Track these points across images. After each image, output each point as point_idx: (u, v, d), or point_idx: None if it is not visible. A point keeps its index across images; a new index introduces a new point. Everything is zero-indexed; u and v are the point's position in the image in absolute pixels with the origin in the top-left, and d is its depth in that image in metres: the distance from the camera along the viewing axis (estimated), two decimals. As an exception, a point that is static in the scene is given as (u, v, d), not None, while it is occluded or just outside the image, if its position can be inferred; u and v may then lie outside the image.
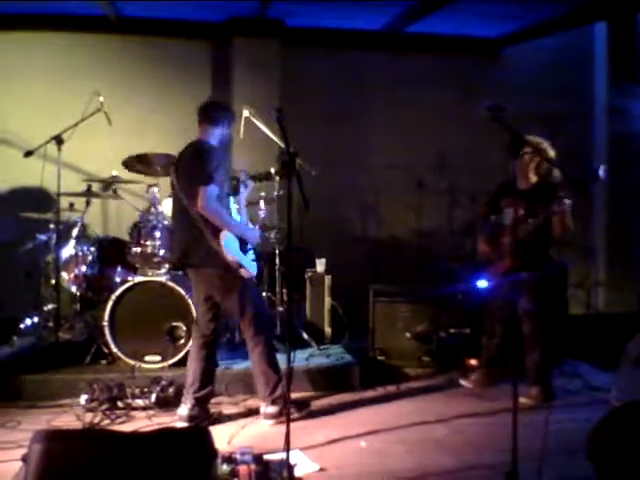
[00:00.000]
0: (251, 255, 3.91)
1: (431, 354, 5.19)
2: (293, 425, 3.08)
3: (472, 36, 6.80)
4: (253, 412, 4.06)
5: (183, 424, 3.82)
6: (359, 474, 3.22)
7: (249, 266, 3.82)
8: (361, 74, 6.71)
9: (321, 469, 3.23)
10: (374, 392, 4.57)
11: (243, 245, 3.83)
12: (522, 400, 3.89)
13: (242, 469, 2.96)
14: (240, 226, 3.89)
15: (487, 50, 6.93)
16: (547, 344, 4.37)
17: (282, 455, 3.06)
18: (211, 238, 3.71)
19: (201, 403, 3.90)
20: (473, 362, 5.03)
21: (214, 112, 3.94)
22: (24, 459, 2.48)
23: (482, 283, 5.14)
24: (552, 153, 4.28)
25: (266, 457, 3.18)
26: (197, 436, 2.47)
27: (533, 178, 4.38)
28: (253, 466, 3.01)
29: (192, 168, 3.76)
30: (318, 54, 6.64)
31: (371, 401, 4.39)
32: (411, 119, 6.69)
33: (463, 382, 4.71)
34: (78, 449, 2.42)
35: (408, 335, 5.20)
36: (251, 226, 4.25)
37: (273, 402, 3.89)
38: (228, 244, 3.73)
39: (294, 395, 3.96)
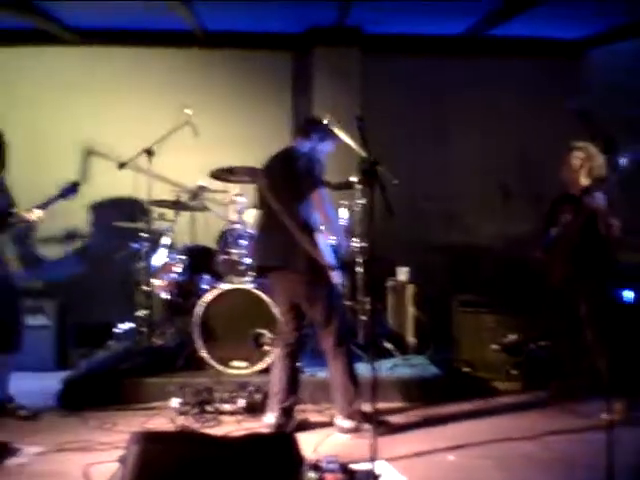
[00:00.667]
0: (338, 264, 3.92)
1: (520, 367, 5.02)
2: (379, 434, 3.06)
3: (554, 38, 6.60)
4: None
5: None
6: (446, 488, 3.17)
7: (338, 272, 3.82)
8: (442, 79, 6.63)
9: (408, 482, 3.20)
10: (460, 405, 4.47)
11: (335, 254, 3.85)
12: (603, 416, 3.72)
13: (328, 477, 2.97)
14: (341, 231, 3.97)
15: (570, 52, 6.71)
16: (612, 353, 4.11)
17: (368, 465, 3.06)
18: (306, 241, 3.72)
19: (287, 412, 3.94)
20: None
21: (307, 125, 4.04)
22: (121, 460, 2.60)
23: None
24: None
25: (352, 466, 3.19)
26: (285, 442, 2.52)
27: (584, 181, 4.24)
28: (339, 475, 3.02)
29: (295, 173, 3.78)
30: (398, 60, 6.61)
31: (457, 414, 4.31)
32: (494, 124, 6.56)
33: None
34: (173, 451, 2.52)
35: (495, 347, 5.06)
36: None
37: (349, 416, 3.85)
38: (325, 247, 3.75)
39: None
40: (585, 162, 4.21)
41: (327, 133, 4.01)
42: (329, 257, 3.75)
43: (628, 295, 4.50)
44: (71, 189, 4.31)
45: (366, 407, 3.78)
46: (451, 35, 6.51)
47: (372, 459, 2.97)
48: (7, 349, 4.19)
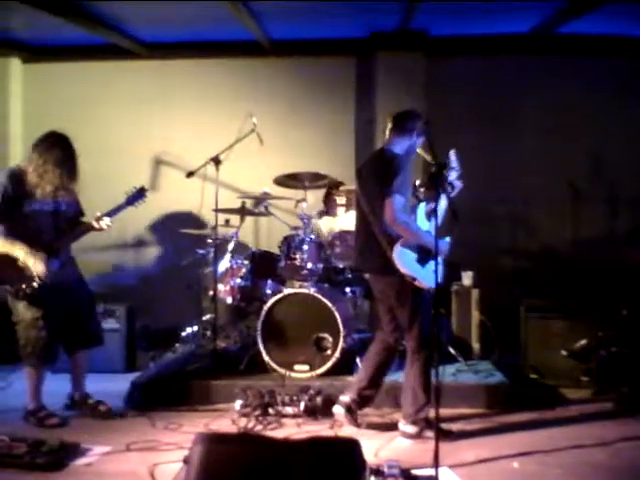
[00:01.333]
0: (432, 265, 3.70)
1: (590, 374, 4.85)
2: (441, 442, 3.01)
3: (627, 35, 6.36)
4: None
5: (338, 409, 3.94)
6: (511, 495, 3.09)
7: (425, 278, 3.70)
8: (509, 79, 6.52)
9: (471, 488, 3.14)
10: (527, 412, 4.34)
11: (425, 255, 3.73)
12: None
13: (393, 482, 2.95)
14: (428, 236, 3.73)
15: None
16: None
17: (430, 471, 3.02)
18: (387, 248, 3.70)
19: (361, 403, 3.97)
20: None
21: (403, 121, 3.88)
22: (185, 460, 2.65)
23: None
24: None
25: (414, 472, 3.16)
26: (347, 446, 2.51)
27: None
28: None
29: (377, 178, 3.75)
30: (463, 62, 6.55)
31: (524, 421, 4.18)
32: (564, 124, 6.39)
33: None
34: (236, 452, 2.54)
35: (564, 353, 4.91)
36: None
37: (414, 422, 3.81)
38: (401, 257, 3.68)
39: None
40: None
41: (422, 125, 3.82)
42: (407, 266, 3.67)
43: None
44: (138, 195, 4.40)
45: (430, 414, 3.75)
46: (519, 33, 6.38)
47: (435, 465, 2.92)
48: (91, 343, 4.40)
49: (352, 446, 2.52)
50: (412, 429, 3.82)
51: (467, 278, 5.37)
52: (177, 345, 5.51)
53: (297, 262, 4.95)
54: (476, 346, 5.22)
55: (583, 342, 4.90)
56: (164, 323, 5.98)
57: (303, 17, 5.85)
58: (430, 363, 3.84)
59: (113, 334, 5.51)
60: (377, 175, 3.76)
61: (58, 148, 4.15)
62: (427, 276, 3.70)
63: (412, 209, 3.86)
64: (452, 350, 5.04)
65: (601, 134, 6.31)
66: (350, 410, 3.94)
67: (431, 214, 3.86)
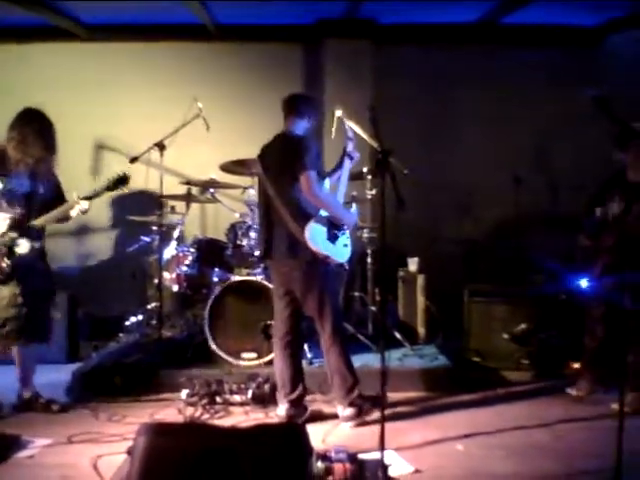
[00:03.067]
0: (344, 240, 3.88)
1: (530, 356, 5.00)
2: (387, 426, 3.05)
3: (572, 25, 6.53)
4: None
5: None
6: (455, 477, 3.16)
7: (338, 254, 3.80)
8: (455, 69, 6.59)
9: (416, 471, 3.19)
10: (470, 395, 4.45)
11: (334, 230, 3.80)
12: (614, 406, 3.70)
13: (337, 467, 2.97)
14: (342, 208, 3.93)
15: (588, 39, 6.63)
16: None
17: (376, 455, 3.06)
18: (296, 229, 3.72)
19: (296, 403, 3.94)
20: (576, 365, 4.83)
21: (299, 104, 3.99)
22: (129, 452, 2.61)
23: (584, 282, 4.95)
24: None
25: (360, 456, 3.19)
26: (293, 433, 2.52)
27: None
28: (348, 465, 3.02)
29: (285, 160, 3.78)
30: (410, 51, 6.58)
31: (467, 404, 4.29)
32: (508, 113, 6.51)
33: (570, 391, 4.44)
34: (181, 442, 2.53)
35: (506, 336, 5.05)
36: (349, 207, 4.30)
37: (350, 404, 3.84)
38: (314, 235, 3.71)
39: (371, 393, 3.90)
40: None
41: (317, 108, 4.04)
42: (319, 244, 3.71)
43: (583, 283, 4.48)
44: (120, 181, 4.20)
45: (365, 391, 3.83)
46: (466, 23, 6.45)
47: (381, 448, 2.96)
48: (38, 339, 4.22)
49: (298, 432, 2.53)
50: (350, 411, 3.84)
51: (413, 264, 5.44)
52: (121, 335, 5.40)
53: (244, 249, 4.91)
54: (421, 331, 5.30)
55: (523, 326, 5.04)
56: (108, 312, 5.85)
57: (250, 2, 5.77)
58: (347, 343, 3.93)
59: (54, 323, 5.35)
60: (285, 157, 3.80)
61: (36, 122, 4.17)
62: (338, 252, 3.80)
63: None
64: (398, 335, 5.11)
65: (544, 123, 6.45)
66: (292, 418, 3.87)
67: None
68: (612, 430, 2.81)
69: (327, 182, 4.04)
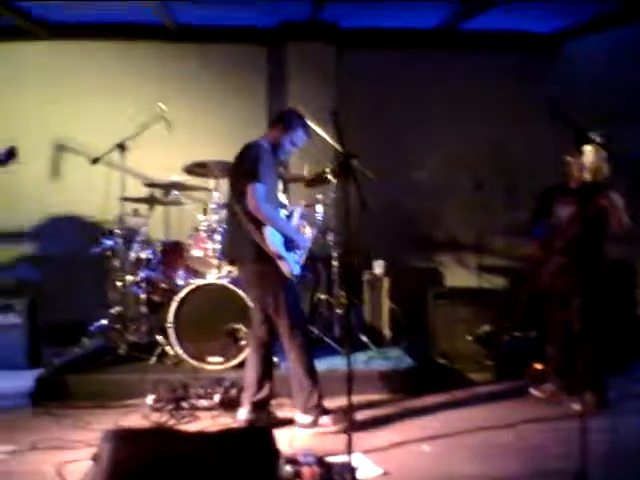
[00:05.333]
0: (295, 257, 3.84)
1: (495, 358, 5.05)
2: (354, 428, 3.06)
3: (530, 31, 6.67)
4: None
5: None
6: (423, 478, 3.19)
7: (290, 263, 3.75)
8: (416, 73, 6.66)
9: (384, 473, 3.21)
10: (436, 396, 4.50)
11: (289, 245, 3.79)
12: (574, 406, 3.78)
13: (305, 471, 2.98)
14: (289, 227, 3.87)
15: (545, 45, 6.78)
16: (598, 345, 4.21)
17: (344, 458, 3.06)
18: (254, 230, 3.69)
19: (259, 407, 3.90)
20: (539, 367, 4.91)
21: (279, 115, 4.02)
22: (94, 458, 2.56)
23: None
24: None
25: (328, 459, 3.20)
26: (260, 437, 2.51)
27: (587, 177, 4.28)
28: (316, 468, 3.03)
29: (240, 167, 3.80)
30: (372, 55, 6.62)
31: (433, 405, 4.33)
32: (469, 118, 6.61)
33: (534, 392, 4.52)
34: (146, 448, 2.50)
35: (470, 338, 5.10)
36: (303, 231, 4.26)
37: (306, 411, 3.81)
38: (272, 236, 3.69)
39: (336, 402, 3.89)
40: (597, 161, 4.22)
41: (299, 124, 3.96)
42: (277, 246, 3.69)
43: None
44: (8, 155, 4.06)
45: (325, 401, 3.83)
46: (426, 29, 6.53)
47: (348, 452, 2.96)
48: None
49: (265, 436, 2.52)
50: (306, 418, 3.81)
51: (378, 267, 5.47)
52: (84, 339, 5.29)
53: (209, 252, 4.87)
54: (387, 333, 5.33)
55: (487, 327, 5.10)
56: (69, 317, 5.72)
57: (211, 2, 5.73)
58: (307, 348, 3.85)
59: (13, 329, 5.23)
60: (239, 164, 3.82)
61: None
62: (290, 261, 3.76)
63: (277, 203, 3.90)
64: (364, 338, 5.13)
65: (501, 126, 6.55)
66: (252, 423, 3.83)
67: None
68: (574, 430, 2.87)
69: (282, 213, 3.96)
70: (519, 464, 3.36)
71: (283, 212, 3.98)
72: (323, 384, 4.16)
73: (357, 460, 3.26)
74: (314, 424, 3.79)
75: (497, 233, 6.56)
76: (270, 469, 2.46)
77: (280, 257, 3.71)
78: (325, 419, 3.78)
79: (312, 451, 3.18)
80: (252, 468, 2.39)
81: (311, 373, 3.82)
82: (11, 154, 4.06)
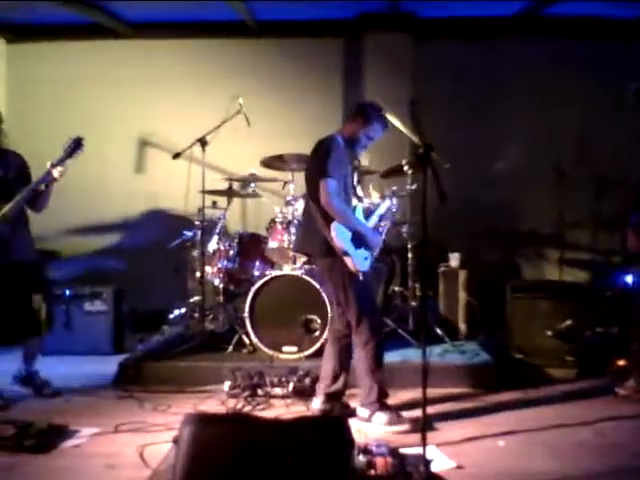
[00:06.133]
0: (365, 253, 3.79)
1: (575, 354, 4.90)
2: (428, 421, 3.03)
3: (615, 17, 6.37)
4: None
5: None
6: (497, 474, 3.12)
7: (357, 259, 3.71)
8: (496, 61, 6.52)
9: (458, 466, 3.17)
10: (512, 392, 4.39)
11: (359, 242, 3.75)
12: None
13: (379, 461, 2.98)
14: (360, 223, 3.80)
15: (632, 32, 6.46)
16: None
17: (418, 450, 3.05)
18: (323, 225, 3.69)
19: (333, 398, 3.92)
20: (622, 363, 4.73)
21: (357, 109, 3.95)
22: (175, 440, 2.66)
23: (629, 278, 4.84)
24: None
25: (402, 451, 3.20)
26: (335, 426, 2.53)
27: None
28: (389, 459, 3.02)
29: (313, 162, 3.81)
30: (451, 44, 6.54)
31: (509, 401, 4.23)
32: (550, 105, 6.40)
33: (618, 390, 4.33)
34: (225, 432, 2.56)
35: (550, 333, 4.95)
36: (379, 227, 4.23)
37: (363, 405, 3.80)
38: (339, 232, 3.68)
39: (409, 395, 3.93)
40: None
41: (377, 117, 3.87)
42: (343, 242, 3.67)
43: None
44: (75, 146, 4.11)
45: (398, 393, 3.84)
46: (506, 15, 6.36)
47: (423, 444, 2.95)
48: (26, 335, 4.27)
49: (340, 425, 2.54)
50: (364, 412, 3.80)
51: (454, 259, 5.39)
52: (164, 327, 5.50)
53: (285, 244, 4.95)
54: (462, 327, 5.26)
55: (568, 322, 4.94)
56: (151, 305, 5.97)
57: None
58: (373, 346, 3.77)
59: (100, 316, 5.51)
60: (314, 158, 3.80)
61: None
62: (358, 258, 3.71)
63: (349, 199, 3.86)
64: (439, 331, 5.07)
65: (586, 116, 6.32)
66: (325, 413, 3.85)
67: (368, 214, 3.99)
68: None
69: (359, 207, 3.93)
70: (597, 461, 3.24)
71: (360, 206, 3.96)
72: (396, 376, 4.18)
73: (431, 453, 3.24)
74: (369, 419, 3.77)
75: (580, 225, 6.34)
76: (344, 458, 2.48)
77: (345, 253, 3.69)
78: (381, 416, 3.73)
79: (385, 442, 3.18)
80: (326, 457, 2.42)
81: (374, 370, 3.78)
82: (78, 144, 4.11)
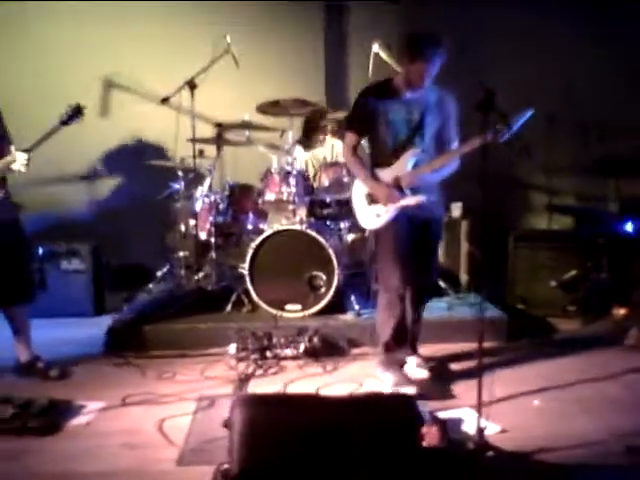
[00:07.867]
0: (379, 211, 3.55)
1: (578, 303, 4.88)
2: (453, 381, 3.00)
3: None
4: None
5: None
6: (544, 437, 2.98)
7: (363, 215, 3.64)
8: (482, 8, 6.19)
9: (502, 430, 3.06)
10: (523, 345, 4.34)
11: (370, 197, 3.60)
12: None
13: (429, 431, 2.79)
14: (369, 180, 3.56)
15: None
16: None
17: (453, 413, 2.93)
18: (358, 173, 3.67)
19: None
20: (622, 311, 4.74)
21: (401, 45, 3.50)
22: (226, 425, 2.43)
23: (629, 226, 4.81)
24: None
25: (440, 415, 3.07)
26: (406, 403, 2.36)
27: None
28: (436, 428, 2.87)
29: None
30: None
31: (524, 354, 4.15)
32: (537, 49, 6.18)
33: (626, 341, 4.33)
34: (280, 415, 2.35)
35: (554, 283, 4.90)
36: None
37: (377, 363, 3.74)
38: (356, 188, 3.68)
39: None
40: None
41: (432, 50, 3.37)
42: (354, 198, 3.66)
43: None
44: (73, 115, 3.71)
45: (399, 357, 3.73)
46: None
47: (478, 409, 2.81)
48: (17, 301, 3.82)
49: (409, 402, 2.37)
50: (377, 372, 3.70)
51: (456, 209, 5.24)
52: (150, 285, 5.16)
53: (283, 196, 4.65)
54: (464, 278, 5.15)
55: (573, 272, 4.89)
56: (133, 261, 5.59)
57: None
58: (387, 305, 3.63)
59: (78, 275, 5.12)
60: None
61: None
62: (365, 215, 3.63)
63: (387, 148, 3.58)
64: (441, 283, 4.93)
65: (575, 63, 6.12)
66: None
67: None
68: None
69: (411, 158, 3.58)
70: (629, 419, 3.20)
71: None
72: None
73: (467, 416, 3.13)
74: (380, 379, 3.63)
75: (569, 172, 6.25)
76: (412, 436, 2.32)
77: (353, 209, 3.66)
78: (389, 377, 3.60)
79: (426, 407, 3.03)
80: (397, 436, 2.25)
81: (382, 328, 3.65)
82: (78, 111, 3.73)
